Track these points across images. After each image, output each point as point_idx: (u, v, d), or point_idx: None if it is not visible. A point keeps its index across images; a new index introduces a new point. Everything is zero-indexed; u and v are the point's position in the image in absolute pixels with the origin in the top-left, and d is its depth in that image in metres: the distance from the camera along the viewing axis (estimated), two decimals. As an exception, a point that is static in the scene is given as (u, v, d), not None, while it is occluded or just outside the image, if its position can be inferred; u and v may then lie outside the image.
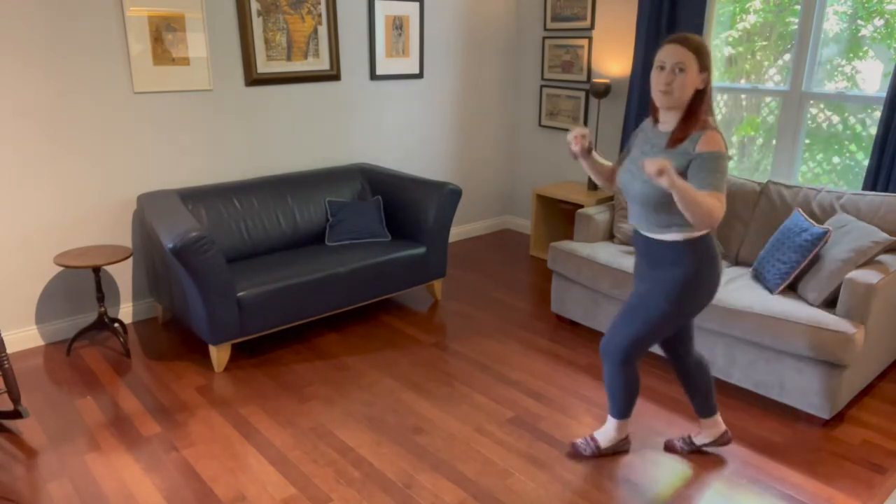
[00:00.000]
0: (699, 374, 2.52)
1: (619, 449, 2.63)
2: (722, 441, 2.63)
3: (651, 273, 2.30)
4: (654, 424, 2.83)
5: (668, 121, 2.21)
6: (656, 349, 3.28)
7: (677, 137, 2.14)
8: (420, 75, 4.75)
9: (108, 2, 3.35)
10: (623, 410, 2.52)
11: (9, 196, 3.29)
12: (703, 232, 2.20)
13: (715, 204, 1.97)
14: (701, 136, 2.09)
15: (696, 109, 2.13)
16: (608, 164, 2.46)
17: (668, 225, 2.19)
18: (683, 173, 2.11)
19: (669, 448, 2.67)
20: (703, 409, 2.58)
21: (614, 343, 2.37)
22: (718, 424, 2.62)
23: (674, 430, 2.78)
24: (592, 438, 2.62)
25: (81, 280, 3.61)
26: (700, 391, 2.55)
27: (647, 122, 2.34)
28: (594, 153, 2.38)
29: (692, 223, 2.03)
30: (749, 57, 4.05)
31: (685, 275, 2.20)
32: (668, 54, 2.10)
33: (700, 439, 2.64)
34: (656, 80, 2.13)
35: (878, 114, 3.53)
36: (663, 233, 2.21)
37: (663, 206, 2.15)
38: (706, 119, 2.14)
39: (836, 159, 3.77)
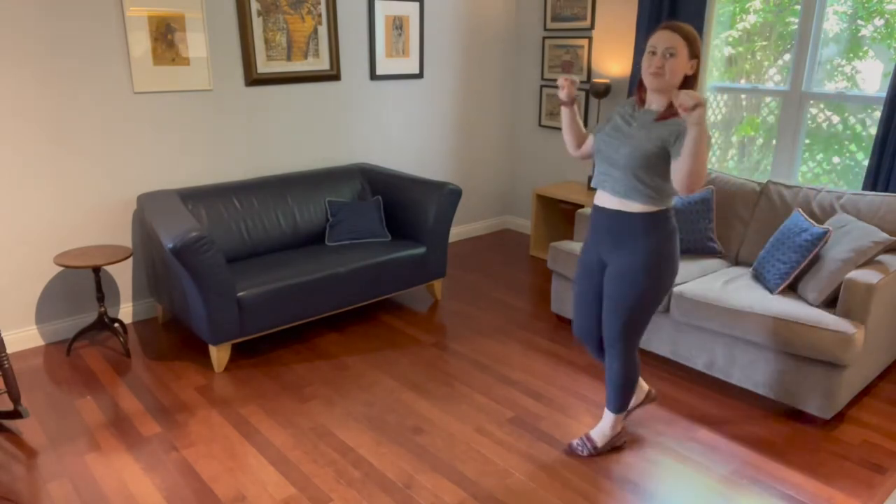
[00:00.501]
0: None
1: (616, 443, 2.64)
2: (648, 399, 2.81)
3: (617, 251, 2.33)
4: (654, 424, 2.82)
5: (655, 102, 2.26)
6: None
7: (667, 115, 2.20)
8: (420, 75, 4.75)
9: (108, 2, 3.35)
10: (622, 404, 2.55)
11: (9, 196, 3.29)
12: (669, 205, 2.27)
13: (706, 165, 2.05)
14: None
15: None
16: (584, 128, 2.55)
17: (643, 193, 2.22)
18: (668, 145, 2.15)
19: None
20: None
21: (611, 335, 2.42)
22: (640, 386, 2.77)
23: (674, 430, 2.78)
24: (589, 438, 2.62)
25: (81, 280, 3.61)
26: None
27: (630, 102, 2.37)
28: (576, 107, 2.48)
29: (680, 179, 2.05)
30: (749, 57, 4.05)
31: (658, 242, 2.26)
32: (659, 39, 2.17)
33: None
34: (647, 63, 2.20)
35: (878, 114, 3.53)
36: (634, 201, 2.24)
37: (644, 171, 2.19)
38: None
39: (836, 159, 3.77)
